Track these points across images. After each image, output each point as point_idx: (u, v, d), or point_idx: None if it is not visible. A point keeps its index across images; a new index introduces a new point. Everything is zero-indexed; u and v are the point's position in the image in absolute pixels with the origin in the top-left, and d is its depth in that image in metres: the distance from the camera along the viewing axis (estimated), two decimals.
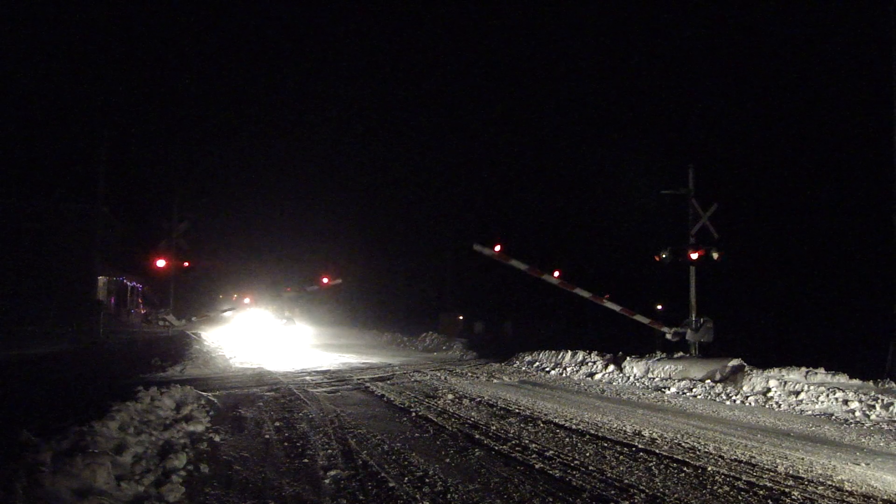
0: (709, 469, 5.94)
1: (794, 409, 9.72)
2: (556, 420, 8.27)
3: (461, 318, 36.11)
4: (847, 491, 5.38)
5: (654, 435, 7.44)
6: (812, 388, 10.19)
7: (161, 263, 21.27)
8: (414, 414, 8.57)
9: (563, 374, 14.14)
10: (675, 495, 5.14)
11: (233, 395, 10.08)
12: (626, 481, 5.48)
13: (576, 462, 6.09)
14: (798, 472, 5.90)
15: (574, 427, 7.81)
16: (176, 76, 74.70)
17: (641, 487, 5.31)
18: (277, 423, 7.83)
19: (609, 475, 5.66)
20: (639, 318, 16.54)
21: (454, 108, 72.82)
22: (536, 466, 5.92)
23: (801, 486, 5.46)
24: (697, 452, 6.62)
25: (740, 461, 6.27)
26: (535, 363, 15.56)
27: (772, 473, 5.86)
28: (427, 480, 5.41)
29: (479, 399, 9.98)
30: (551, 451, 6.50)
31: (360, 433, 7.27)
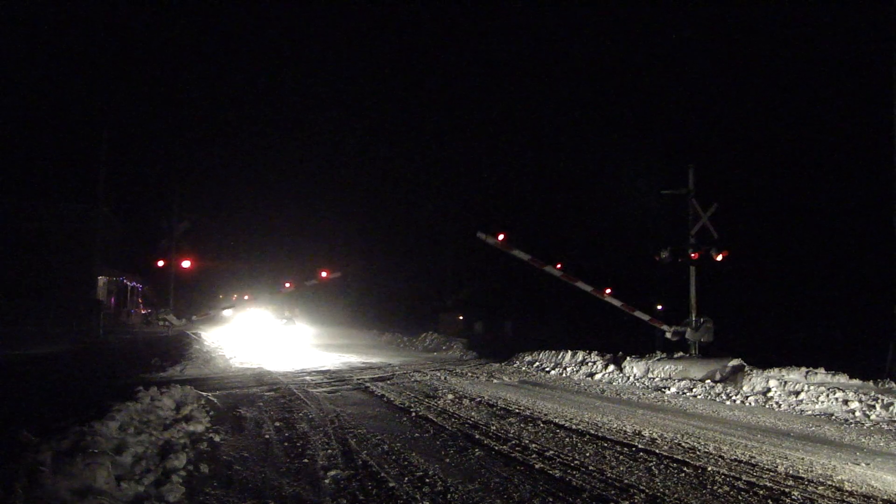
0: (709, 469, 5.94)
1: (794, 409, 9.72)
2: (556, 420, 8.27)
3: (461, 318, 36.14)
4: (847, 491, 5.38)
5: (654, 435, 7.44)
6: (812, 388, 10.18)
7: (161, 263, 21.28)
8: (414, 414, 8.57)
9: (563, 374, 14.14)
10: (675, 495, 5.14)
11: (233, 395, 10.08)
12: (626, 481, 5.48)
13: (576, 462, 6.09)
14: (798, 472, 5.90)
15: (574, 427, 7.81)
16: (176, 76, 74.71)
17: (641, 487, 5.31)
18: (277, 423, 7.83)
19: (609, 475, 5.66)
20: (639, 314, 16.55)
21: (455, 106, 72.82)
22: (536, 466, 5.92)
23: (801, 486, 5.46)
24: (697, 452, 6.62)
25: (740, 461, 6.27)
26: (535, 363, 15.56)
27: (772, 473, 5.86)
28: (427, 480, 5.41)
29: (479, 399, 9.98)
30: (551, 451, 6.50)
31: (360, 433, 7.27)
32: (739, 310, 30.81)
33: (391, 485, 5.26)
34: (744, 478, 5.66)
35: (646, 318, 16.56)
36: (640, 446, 6.81)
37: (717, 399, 10.69)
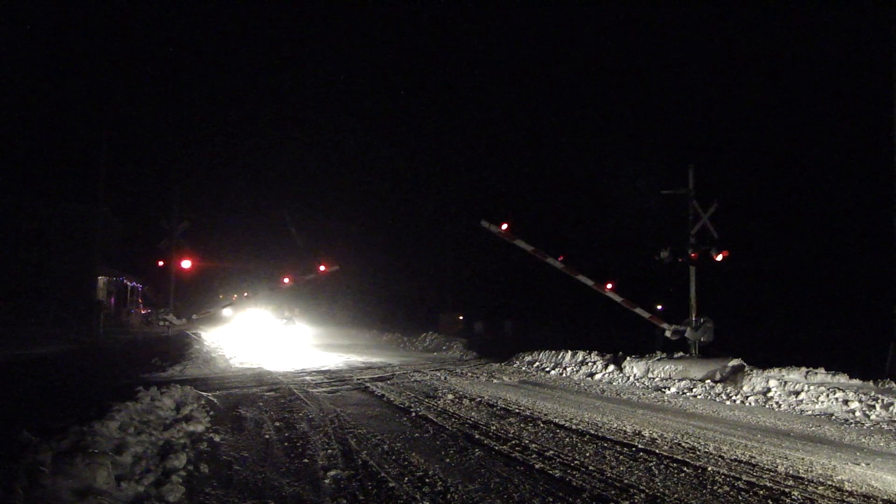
0: (709, 469, 5.94)
1: (794, 409, 9.72)
2: (556, 420, 8.27)
3: (461, 318, 36.14)
4: (847, 491, 5.38)
5: (654, 435, 7.44)
6: (812, 388, 10.18)
7: (161, 263, 21.28)
8: (414, 414, 8.57)
9: (563, 374, 14.15)
10: (675, 495, 5.14)
11: (233, 395, 10.08)
12: (626, 481, 5.48)
13: (576, 462, 6.09)
14: (798, 472, 5.90)
15: (574, 427, 7.81)
16: (176, 76, 74.69)
17: (641, 487, 5.31)
18: (277, 423, 7.83)
19: (609, 475, 5.66)
20: (639, 311, 16.56)
21: (454, 105, 72.76)
22: (536, 466, 5.92)
23: (801, 486, 5.46)
24: (697, 452, 6.62)
25: (740, 461, 6.28)
26: (535, 363, 15.56)
27: (772, 473, 5.86)
28: (427, 480, 5.41)
29: (479, 399, 9.98)
30: (551, 451, 6.50)
31: (360, 433, 7.27)
32: (739, 310, 30.81)
33: (391, 485, 5.26)
34: (744, 478, 5.66)
35: (646, 315, 16.57)
36: (640, 446, 6.81)
37: (717, 399, 10.69)
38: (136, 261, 39.75)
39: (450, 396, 10.11)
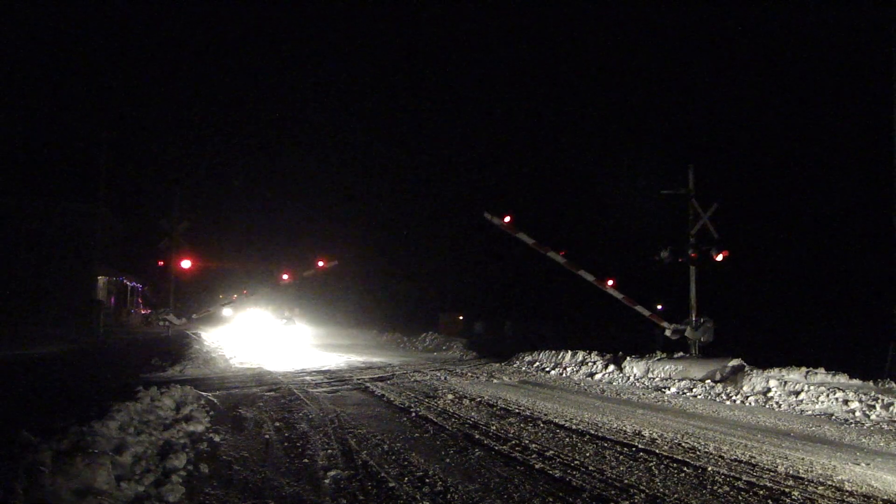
0: (709, 469, 5.94)
1: (794, 409, 9.72)
2: (556, 420, 8.27)
3: (461, 318, 36.13)
4: (847, 491, 5.37)
5: (654, 435, 7.44)
6: (812, 388, 10.18)
7: (161, 263, 21.27)
8: (414, 414, 8.57)
9: (563, 374, 14.14)
10: (676, 495, 5.13)
11: (233, 395, 10.08)
12: (626, 481, 5.48)
13: (576, 462, 6.09)
14: (798, 472, 5.90)
15: (574, 427, 7.81)
16: (176, 76, 74.69)
17: (641, 487, 5.31)
18: (277, 423, 7.83)
19: (609, 475, 5.66)
20: (640, 308, 16.57)
21: (454, 104, 72.88)
22: (536, 466, 5.92)
23: (801, 486, 5.46)
24: (697, 452, 6.62)
25: (740, 461, 6.27)
26: (535, 363, 15.56)
27: (772, 473, 5.86)
28: (427, 480, 5.41)
29: (479, 399, 9.98)
30: (551, 451, 6.50)
31: (360, 433, 7.27)
32: (739, 310, 30.81)
33: (391, 485, 5.26)
34: (744, 478, 5.66)
35: (646, 313, 16.58)
36: (640, 446, 6.81)
37: (718, 399, 10.68)
38: (136, 261, 39.76)
39: (450, 396, 10.11)
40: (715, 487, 5.39)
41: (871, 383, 10.83)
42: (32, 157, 32.75)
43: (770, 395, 10.43)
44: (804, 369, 11.53)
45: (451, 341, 22.87)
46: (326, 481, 5.36)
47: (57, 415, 6.83)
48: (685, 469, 5.94)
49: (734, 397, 10.66)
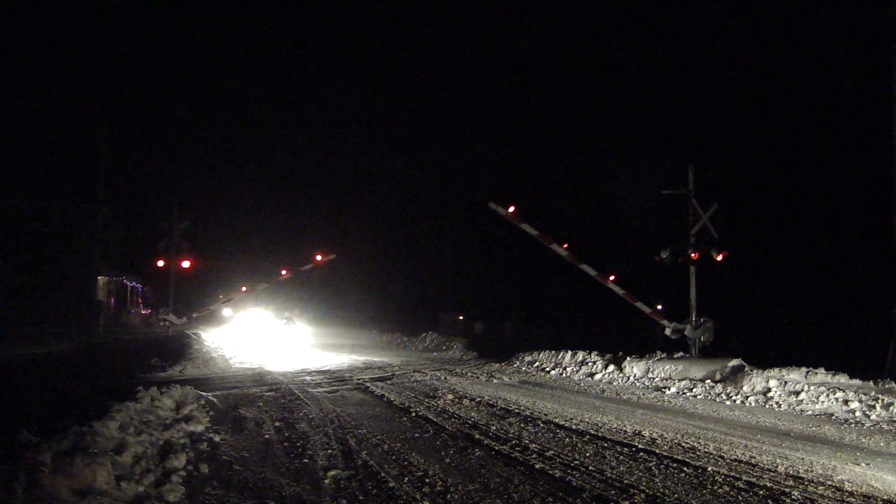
0: (709, 469, 5.94)
1: (794, 409, 9.72)
2: (557, 420, 8.27)
3: (461, 318, 36.17)
4: (847, 491, 5.37)
5: (654, 435, 7.44)
6: (812, 388, 10.18)
7: (161, 263, 21.25)
8: (414, 414, 8.57)
9: (563, 374, 14.15)
10: (676, 495, 5.13)
11: (233, 395, 10.08)
12: (626, 481, 5.47)
13: (576, 462, 6.09)
14: (798, 472, 5.90)
15: (574, 427, 7.81)
16: (176, 76, 74.70)
17: (641, 487, 5.31)
18: (277, 423, 7.83)
19: (609, 475, 5.66)
20: (640, 305, 16.59)
21: (454, 104, 72.88)
22: (536, 466, 5.92)
23: (801, 486, 5.46)
24: (697, 452, 6.62)
25: (740, 461, 6.27)
26: (535, 363, 15.56)
27: (772, 473, 5.86)
28: (427, 480, 5.41)
29: (479, 399, 9.98)
30: (551, 452, 6.50)
31: (360, 433, 7.27)
32: (739, 310, 30.77)
33: (391, 485, 5.26)
34: (744, 478, 5.66)
35: (647, 310, 16.59)
36: (640, 446, 6.80)
37: (718, 399, 10.68)
38: (136, 261, 39.70)
39: (450, 396, 10.11)
40: (715, 487, 5.39)
41: (871, 383, 10.83)
42: (32, 157, 32.76)
43: (770, 395, 10.43)
44: (804, 369, 11.53)
45: (452, 341, 22.87)
46: (326, 481, 5.36)
47: (57, 415, 6.84)
48: (685, 469, 5.94)
49: (734, 397, 10.65)
